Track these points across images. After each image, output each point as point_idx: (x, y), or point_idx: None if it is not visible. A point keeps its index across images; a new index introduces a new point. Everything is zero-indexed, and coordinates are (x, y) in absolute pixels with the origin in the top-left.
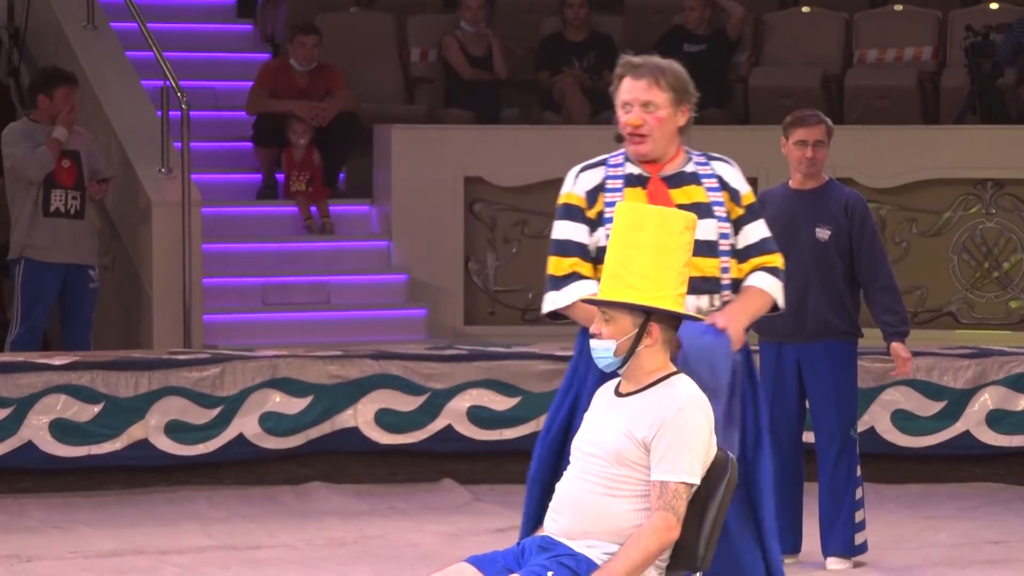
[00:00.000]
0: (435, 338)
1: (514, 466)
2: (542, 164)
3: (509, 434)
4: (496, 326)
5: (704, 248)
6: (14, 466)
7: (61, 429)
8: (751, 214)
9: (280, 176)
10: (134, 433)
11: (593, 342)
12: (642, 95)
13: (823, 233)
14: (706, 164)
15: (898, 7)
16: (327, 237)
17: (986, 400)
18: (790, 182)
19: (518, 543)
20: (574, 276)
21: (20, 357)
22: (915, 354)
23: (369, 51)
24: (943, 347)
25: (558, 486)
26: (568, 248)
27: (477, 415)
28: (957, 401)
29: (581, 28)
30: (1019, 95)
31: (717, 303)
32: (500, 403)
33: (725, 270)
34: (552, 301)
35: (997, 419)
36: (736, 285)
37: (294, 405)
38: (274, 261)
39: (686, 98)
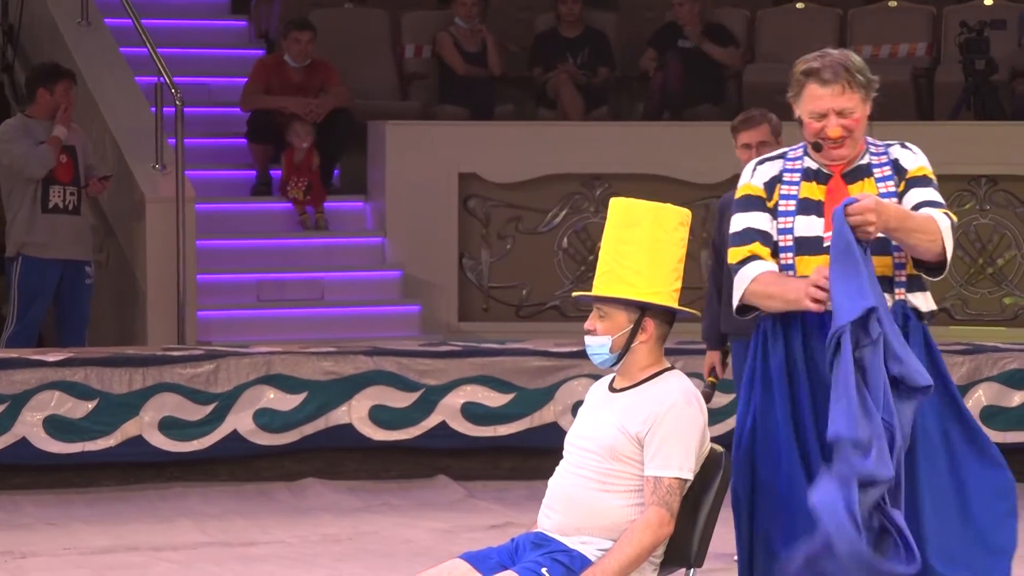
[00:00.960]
0: (429, 334)
1: (508, 462)
2: (536, 160)
3: (503, 430)
4: (490, 322)
5: (874, 245)
6: (8, 463)
7: (55, 425)
8: (914, 183)
9: (275, 173)
10: (128, 429)
11: (587, 339)
12: (836, 103)
13: None
14: (883, 152)
15: (892, 3)
16: (321, 233)
17: (980, 396)
18: None
19: (512, 539)
20: (751, 258)
21: (14, 353)
22: None
23: (363, 47)
24: (937, 343)
25: (551, 481)
26: (747, 236)
27: (471, 411)
28: None
29: (575, 24)
30: (1013, 91)
31: (889, 302)
32: (494, 399)
33: (900, 266)
34: (735, 292)
35: (991, 415)
36: (909, 281)
37: (288, 401)
38: (268, 257)
39: (872, 88)
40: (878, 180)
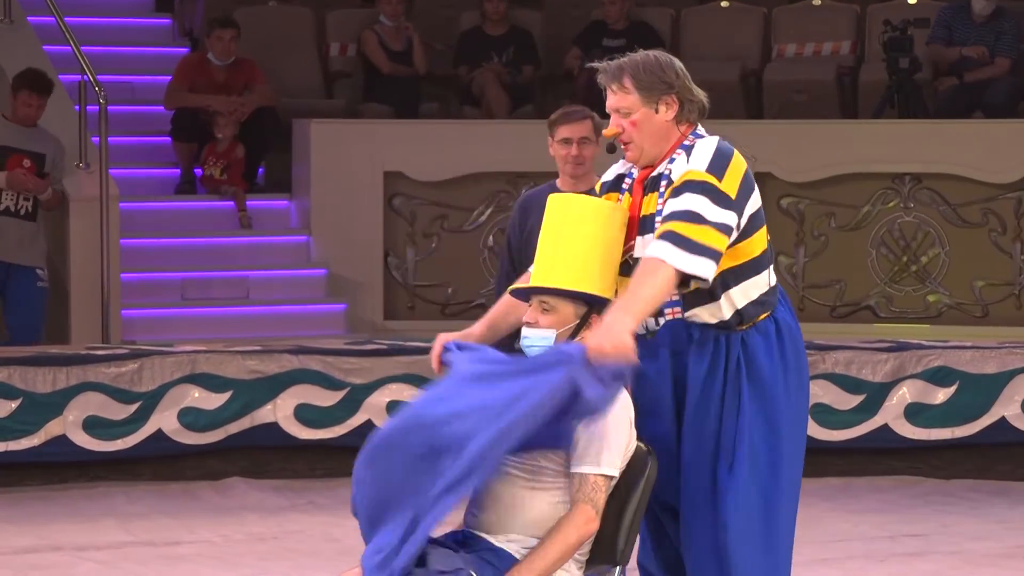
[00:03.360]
0: (355, 333)
1: None
2: (462, 158)
3: None
4: (416, 321)
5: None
6: None
7: None
8: (673, 194)
9: (199, 171)
10: (52, 429)
11: (528, 331)
12: (612, 103)
13: None
14: (674, 161)
15: (816, 2)
16: (246, 232)
17: (904, 394)
18: (558, 182)
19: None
20: None
21: None
22: (834, 348)
23: (288, 45)
24: (862, 341)
25: None
26: None
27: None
28: (876, 395)
29: (500, 23)
30: (936, 89)
31: (662, 320)
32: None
33: None
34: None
35: (915, 412)
36: (689, 298)
37: (213, 400)
38: (193, 256)
39: (662, 91)
40: (659, 195)
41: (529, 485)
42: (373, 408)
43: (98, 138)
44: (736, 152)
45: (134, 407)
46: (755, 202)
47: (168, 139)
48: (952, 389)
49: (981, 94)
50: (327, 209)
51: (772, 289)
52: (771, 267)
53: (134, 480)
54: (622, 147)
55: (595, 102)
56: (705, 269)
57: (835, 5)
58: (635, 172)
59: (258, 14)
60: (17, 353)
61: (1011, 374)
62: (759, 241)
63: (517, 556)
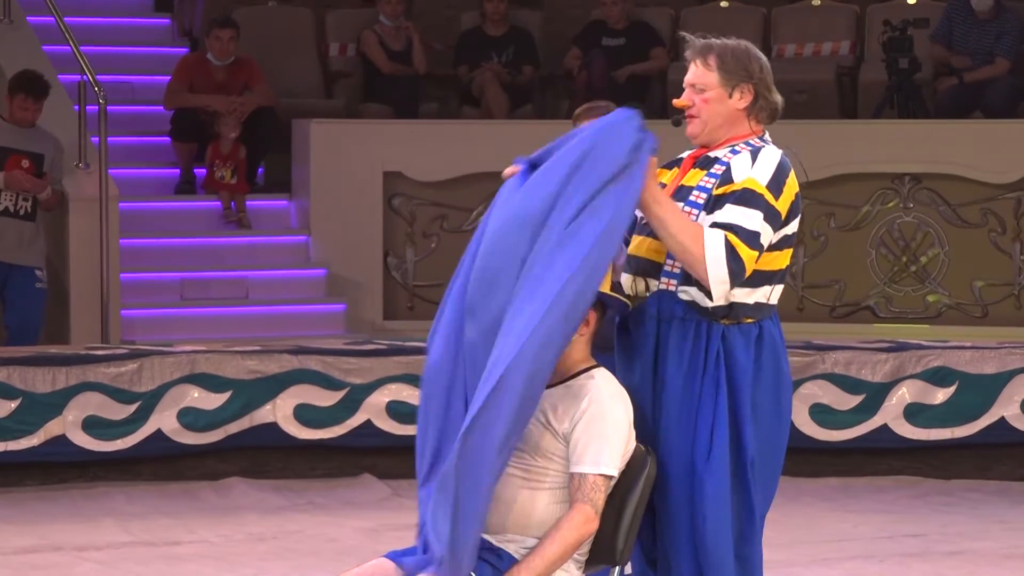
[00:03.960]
0: (354, 333)
1: None
2: (461, 159)
3: None
4: (415, 321)
5: (647, 227)
6: None
7: None
8: (727, 198)
9: (199, 171)
10: (51, 429)
11: None
12: (690, 77)
13: None
14: (738, 153)
15: (816, 2)
16: (246, 232)
17: (904, 394)
18: None
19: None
20: None
21: None
22: (833, 348)
23: (287, 45)
24: (861, 341)
25: None
26: None
27: (396, 410)
28: (875, 395)
29: (500, 23)
30: (936, 89)
31: (653, 287)
32: (419, 398)
33: (674, 257)
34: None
35: (915, 413)
36: (691, 276)
37: (212, 400)
38: (192, 256)
39: (741, 78)
40: (708, 174)
41: (528, 485)
42: (372, 408)
43: (97, 138)
44: (792, 172)
45: (133, 407)
46: (794, 226)
47: (168, 139)
48: (952, 389)
49: (981, 94)
50: (327, 209)
51: (770, 306)
52: (779, 287)
53: (134, 480)
54: (686, 120)
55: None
56: (722, 293)
57: (835, 5)
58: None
59: (258, 14)
60: (17, 353)
61: (1010, 374)
62: (781, 259)
63: (516, 556)
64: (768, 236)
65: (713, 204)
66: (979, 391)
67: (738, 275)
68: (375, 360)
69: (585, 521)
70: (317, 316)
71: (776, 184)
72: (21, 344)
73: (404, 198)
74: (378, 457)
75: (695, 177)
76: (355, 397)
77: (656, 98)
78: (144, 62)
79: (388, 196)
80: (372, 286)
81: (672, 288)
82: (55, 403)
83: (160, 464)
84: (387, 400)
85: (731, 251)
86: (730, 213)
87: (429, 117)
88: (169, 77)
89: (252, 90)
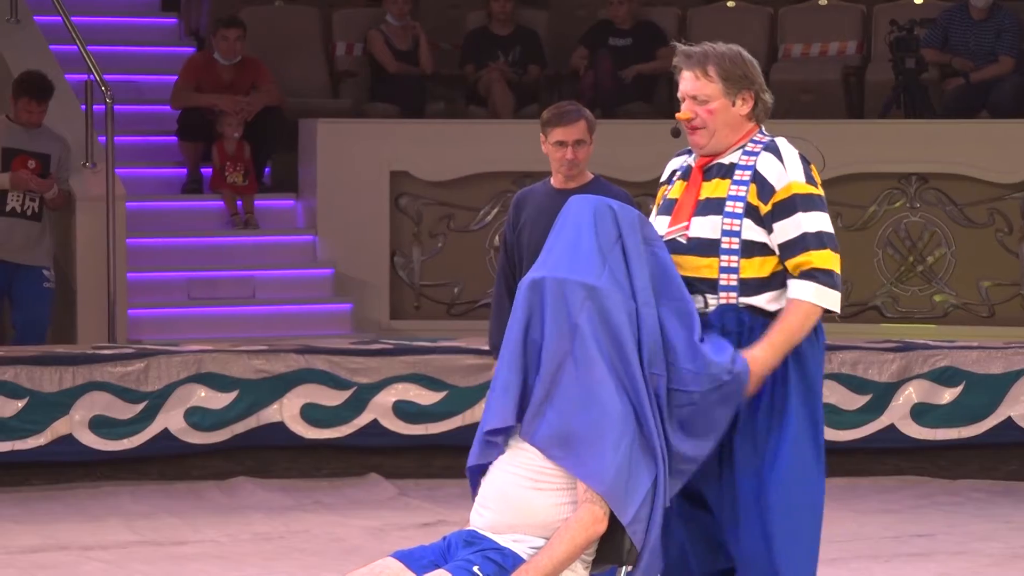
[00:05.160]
0: (361, 332)
1: (440, 460)
2: (468, 158)
3: (435, 428)
4: (422, 320)
5: (700, 246)
6: None
7: None
8: (783, 209)
9: (205, 170)
10: (58, 428)
11: None
12: (689, 88)
13: None
14: (755, 154)
15: (823, 1)
16: (252, 232)
17: (911, 394)
18: (552, 180)
19: (444, 538)
20: None
21: None
22: (840, 348)
23: (294, 45)
24: (868, 341)
25: (484, 479)
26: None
27: (403, 409)
28: (882, 395)
29: (506, 22)
30: (943, 89)
31: (713, 304)
32: (426, 397)
33: (727, 270)
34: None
35: (921, 412)
36: (749, 285)
37: (219, 400)
38: (199, 256)
39: (743, 85)
40: (735, 183)
41: (535, 486)
42: (379, 408)
43: (104, 137)
44: None
45: (140, 407)
46: None
47: (174, 139)
48: (958, 389)
49: (987, 94)
50: (333, 209)
51: None
52: None
53: (140, 480)
54: (688, 132)
55: (601, 101)
56: (839, 304)
57: (841, 5)
58: (691, 161)
59: (264, 13)
60: (23, 353)
61: (1017, 374)
62: None
63: (523, 556)
64: (831, 226)
65: (759, 216)
66: (986, 391)
67: (838, 281)
68: (382, 360)
69: (594, 521)
70: (324, 316)
71: (809, 174)
72: (28, 343)
73: (411, 197)
74: (385, 457)
75: (719, 187)
76: (362, 397)
77: (663, 98)
78: (151, 61)
79: (395, 196)
80: (379, 286)
81: (733, 301)
82: (62, 402)
83: (167, 464)
84: (394, 400)
85: (820, 276)
86: (795, 229)
87: (435, 117)
88: (176, 77)
89: (259, 90)
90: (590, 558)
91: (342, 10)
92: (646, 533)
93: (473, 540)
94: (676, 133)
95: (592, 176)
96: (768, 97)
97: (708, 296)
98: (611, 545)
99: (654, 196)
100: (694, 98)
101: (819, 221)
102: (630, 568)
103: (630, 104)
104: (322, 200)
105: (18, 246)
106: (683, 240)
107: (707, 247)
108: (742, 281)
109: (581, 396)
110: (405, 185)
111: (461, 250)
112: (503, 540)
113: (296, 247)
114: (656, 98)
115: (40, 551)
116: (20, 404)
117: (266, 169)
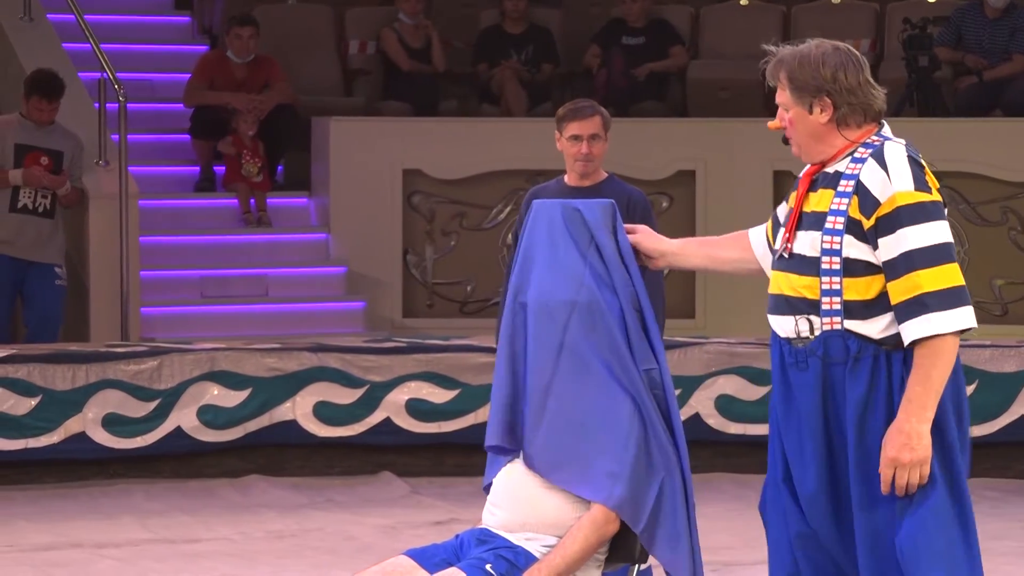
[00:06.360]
0: (373, 331)
1: (453, 458)
2: (480, 156)
3: (448, 427)
4: (434, 319)
5: (801, 264)
6: None
7: None
8: (887, 224)
9: (218, 168)
10: (71, 426)
11: None
12: (777, 96)
13: None
14: (862, 161)
15: (836, 0)
16: (265, 230)
17: None
18: (566, 178)
19: (456, 536)
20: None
21: None
22: None
23: (307, 43)
24: None
25: (496, 478)
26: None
27: (416, 408)
28: None
29: (519, 21)
30: (956, 87)
31: (818, 328)
32: (439, 396)
33: (829, 292)
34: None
35: None
36: (854, 308)
37: (232, 398)
38: (212, 254)
39: (812, 93)
40: (838, 195)
41: (547, 484)
42: (392, 406)
43: (117, 135)
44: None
45: (153, 404)
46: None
47: (187, 137)
48: (971, 388)
49: (1001, 92)
50: (346, 207)
51: None
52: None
53: (153, 477)
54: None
55: (614, 100)
56: (971, 317)
57: (854, 3)
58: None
59: (277, 12)
60: (36, 350)
61: None
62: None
63: (536, 554)
64: (947, 235)
65: (862, 231)
66: (998, 390)
67: (962, 295)
68: (394, 358)
69: (606, 521)
70: (336, 314)
71: (920, 180)
72: (41, 341)
73: (423, 196)
74: (397, 455)
75: (823, 200)
76: (374, 395)
77: (675, 96)
78: (164, 60)
79: (407, 194)
80: (391, 284)
81: (838, 326)
82: (75, 400)
83: (179, 461)
84: (406, 398)
85: (935, 301)
86: (902, 245)
87: (448, 115)
88: (189, 75)
89: (272, 88)
90: (602, 557)
91: (355, 8)
92: (657, 528)
93: (486, 538)
94: (786, 140)
95: (606, 174)
96: (868, 97)
97: (812, 318)
98: (623, 544)
99: (667, 194)
100: (780, 105)
101: (929, 233)
102: (643, 567)
103: (643, 102)
104: (335, 198)
105: (30, 243)
106: (786, 255)
107: (808, 265)
108: (845, 304)
109: (576, 414)
110: (418, 183)
111: (474, 248)
112: (516, 538)
113: (309, 245)
114: (669, 96)
115: (53, 549)
116: (33, 402)
117: (279, 167)
